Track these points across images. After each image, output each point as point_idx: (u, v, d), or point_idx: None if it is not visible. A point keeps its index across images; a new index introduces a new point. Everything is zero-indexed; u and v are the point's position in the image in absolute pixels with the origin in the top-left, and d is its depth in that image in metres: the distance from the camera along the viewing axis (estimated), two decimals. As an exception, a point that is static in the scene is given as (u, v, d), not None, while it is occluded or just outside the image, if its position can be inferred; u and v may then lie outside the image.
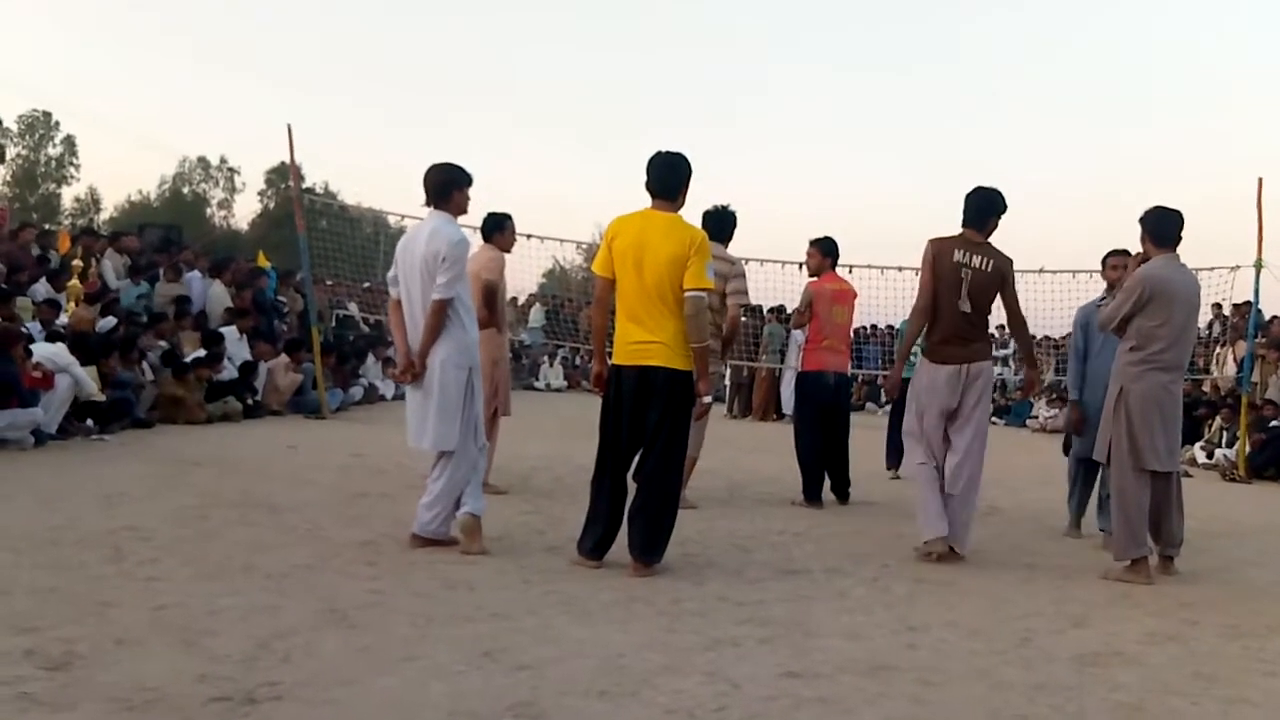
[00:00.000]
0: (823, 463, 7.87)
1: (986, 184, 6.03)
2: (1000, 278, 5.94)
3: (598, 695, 3.32)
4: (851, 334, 8.33)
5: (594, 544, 5.17)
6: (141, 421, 10.12)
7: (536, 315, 23.97)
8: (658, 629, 4.15)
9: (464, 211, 5.59)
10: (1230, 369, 15.35)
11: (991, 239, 5.99)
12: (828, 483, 7.93)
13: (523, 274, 19.06)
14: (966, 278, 5.82)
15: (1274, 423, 12.86)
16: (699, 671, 3.61)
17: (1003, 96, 76.20)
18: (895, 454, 10.60)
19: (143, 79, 76.86)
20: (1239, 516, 8.77)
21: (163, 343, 11.67)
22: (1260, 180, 11.50)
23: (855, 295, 8.25)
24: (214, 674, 3.27)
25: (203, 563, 4.76)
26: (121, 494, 6.42)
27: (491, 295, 7.31)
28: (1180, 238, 5.90)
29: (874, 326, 20.77)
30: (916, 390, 6.04)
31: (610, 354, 5.25)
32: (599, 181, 75.58)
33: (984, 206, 5.98)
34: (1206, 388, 15.81)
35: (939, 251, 5.89)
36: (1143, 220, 5.93)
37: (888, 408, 21.04)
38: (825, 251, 8.12)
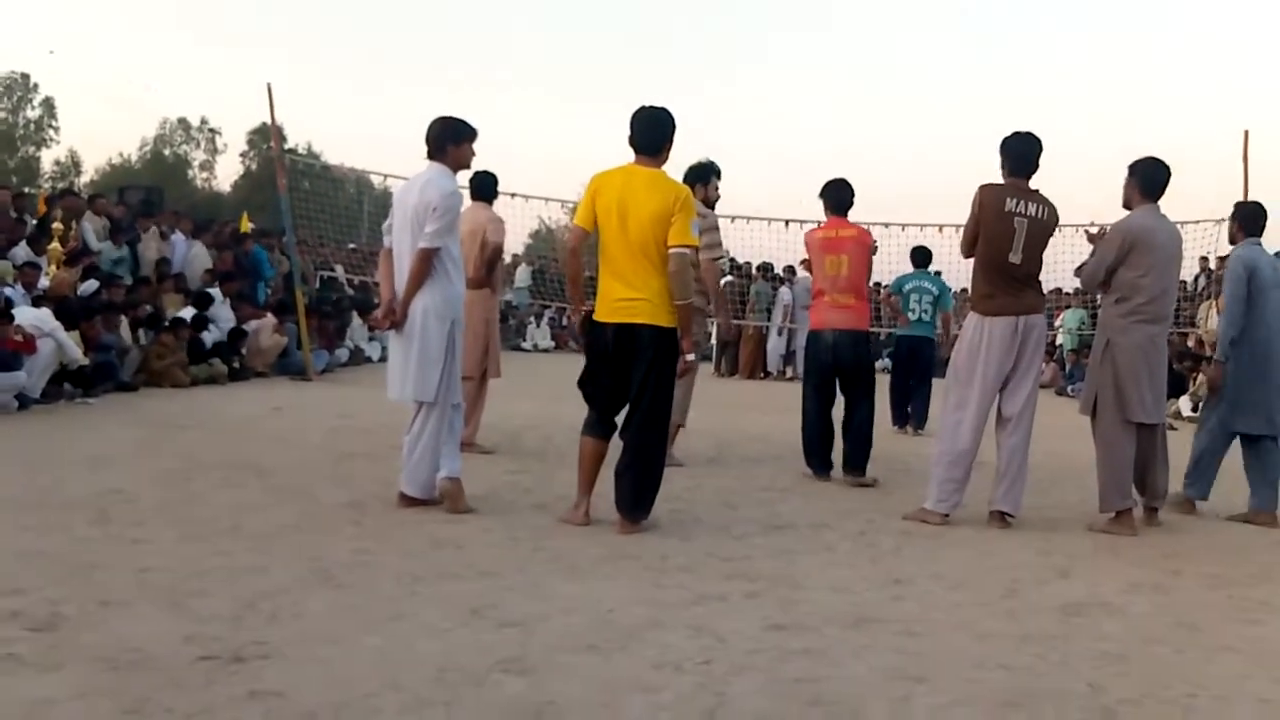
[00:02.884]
0: (825, 431, 7.21)
1: (1021, 129, 5.75)
2: (1054, 227, 5.73)
3: (586, 650, 3.33)
4: (863, 285, 7.16)
5: (597, 419, 5.20)
6: (126, 385, 10.07)
7: (523, 275, 23.89)
8: (645, 584, 4.16)
9: (464, 166, 5.59)
10: (1214, 322, 15.41)
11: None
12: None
13: (509, 234, 18.91)
14: (1021, 228, 5.54)
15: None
16: (686, 625, 3.63)
17: (993, 50, 75.57)
18: (900, 412, 10.65)
19: (122, 39, 75.72)
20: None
21: (147, 306, 11.59)
22: (1246, 133, 11.48)
23: (857, 240, 7.17)
24: (201, 634, 3.27)
25: (189, 524, 4.75)
26: (106, 457, 6.40)
27: (496, 257, 7.31)
28: (1165, 190, 5.89)
29: (876, 285, 20.66)
30: (969, 348, 5.70)
31: (592, 309, 5.21)
32: (585, 140, 74.92)
33: (1028, 152, 5.70)
34: (1191, 341, 15.87)
35: (986, 200, 5.61)
36: (1134, 169, 5.90)
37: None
38: (824, 196, 7.32)
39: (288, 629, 3.38)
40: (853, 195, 7.30)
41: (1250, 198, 11.68)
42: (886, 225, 15.87)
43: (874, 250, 7.57)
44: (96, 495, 5.24)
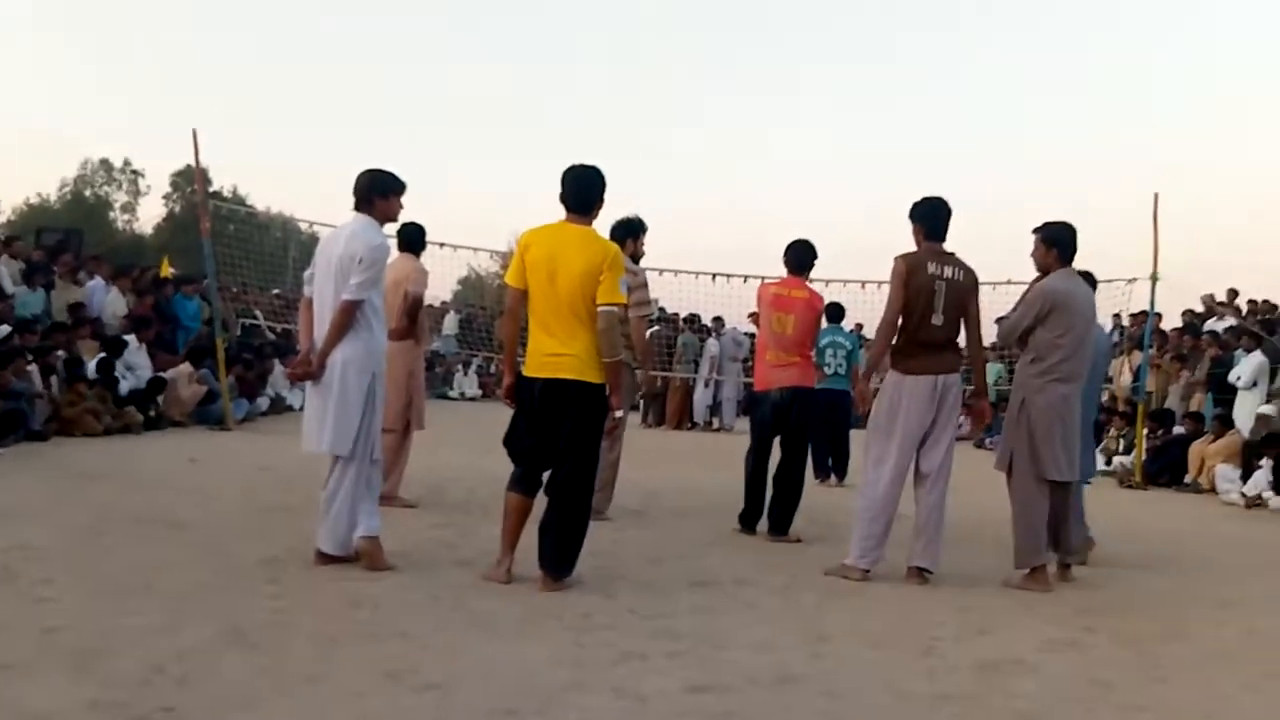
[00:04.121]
0: (761, 491, 7.27)
1: (931, 194, 5.95)
2: (972, 287, 5.87)
3: (505, 714, 3.29)
4: (807, 344, 7.29)
5: (522, 475, 5.17)
6: (36, 433, 9.78)
7: (450, 323, 23.78)
8: (567, 644, 4.14)
9: (391, 219, 5.59)
10: (1126, 378, 15.84)
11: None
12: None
13: (436, 281, 18.88)
14: (940, 290, 5.70)
15: (1173, 430, 13.31)
16: (607, 687, 3.61)
17: (908, 107, 77.34)
18: (821, 464, 10.75)
19: (42, 79, 74.45)
20: (1134, 523, 9.06)
21: (61, 352, 11.31)
22: (1155, 195, 11.93)
23: (807, 304, 7.23)
24: (106, 699, 3.17)
25: (98, 582, 4.62)
26: (13, 510, 6.20)
27: (417, 309, 7.26)
28: (1076, 252, 6.08)
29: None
30: (888, 405, 5.81)
31: (522, 364, 5.21)
32: (515, 189, 75.11)
33: (943, 216, 5.89)
34: (1106, 397, 16.28)
35: (912, 266, 5.73)
36: (1047, 237, 6.07)
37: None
38: (786, 253, 7.41)
39: (198, 693, 3.30)
40: (814, 257, 7.43)
41: (1160, 257, 12.18)
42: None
43: (821, 315, 7.59)
44: (1, 551, 5.07)
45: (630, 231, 7.21)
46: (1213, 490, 11.62)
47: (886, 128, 76.38)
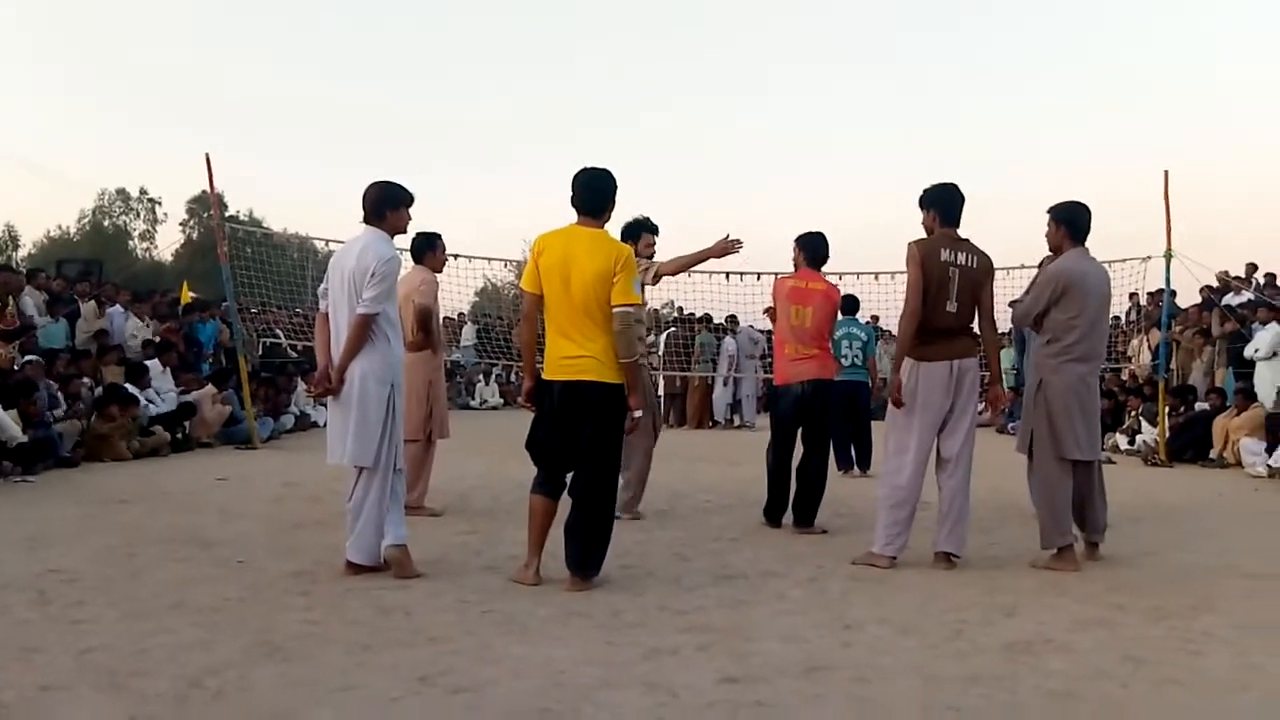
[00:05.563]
0: (786, 486, 7.26)
1: (943, 180, 5.94)
2: (986, 273, 5.85)
3: (538, 713, 3.32)
4: (825, 336, 7.27)
5: (545, 478, 5.22)
6: (66, 460, 9.89)
7: (468, 334, 23.86)
8: (597, 642, 4.16)
9: (401, 231, 5.59)
10: (1145, 357, 15.76)
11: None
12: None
13: (454, 293, 18.95)
14: (954, 276, 5.70)
15: (1195, 406, 13.24)
16: (638, 683, 3.63)
17: (915, 90, 77.00)
18: (844, 455, 10.79)
19: (56, 112, 75.07)
20: (1160, 500, 9.01)
21: (86, 380, 11.43)
22: (1166, 173, 11.85)
23: (825, 295, 7.25)
24: (143, 715, 3.22)
25: (131, 602, 4.67)
26: (46, 536, 6.28)
27: (426, 319, 7.30)
28: (1089, 231, 6.06)
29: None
30: (906, 393, 5.78)
31: (541, 369, 5.25)
32: (526, 197, 75.24)
33: (956, 201, 5.87)
34: (1125, 375, 16.21)
35: (926, 252, 5.72)
36: (1057, 215, 6.06)
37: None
38: (801, 246, 7.40)
39: (234, 706, 3.34)
40: (828, 250, 7.44)
41: (1173, 234, 12.11)
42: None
43: (838, 306, 7.62)
44: (35, 576, 5.14)
45: (634, 234, 7.22)
46: (1238, 464, 11.55)
47: (889, 122, 75.93)
